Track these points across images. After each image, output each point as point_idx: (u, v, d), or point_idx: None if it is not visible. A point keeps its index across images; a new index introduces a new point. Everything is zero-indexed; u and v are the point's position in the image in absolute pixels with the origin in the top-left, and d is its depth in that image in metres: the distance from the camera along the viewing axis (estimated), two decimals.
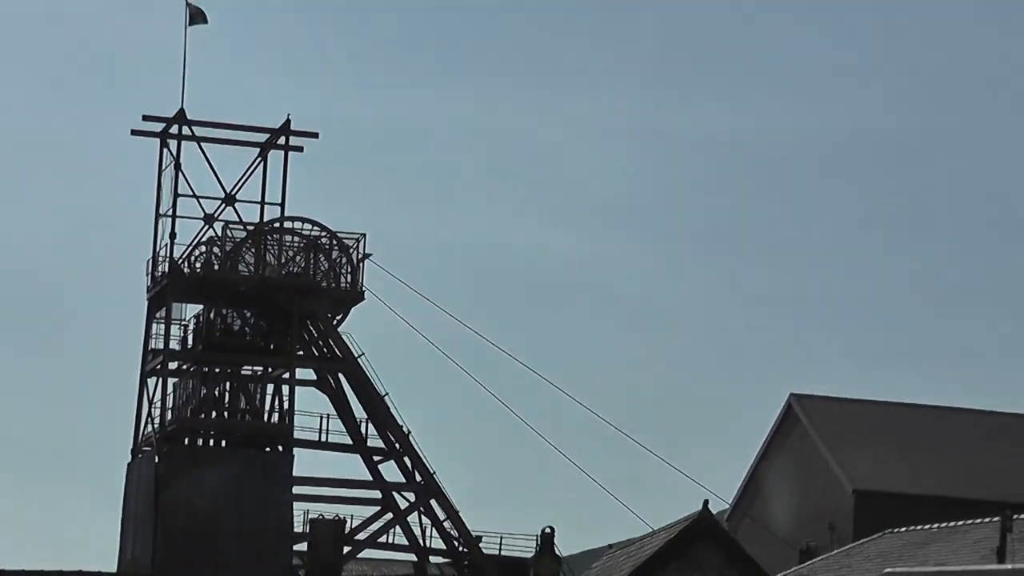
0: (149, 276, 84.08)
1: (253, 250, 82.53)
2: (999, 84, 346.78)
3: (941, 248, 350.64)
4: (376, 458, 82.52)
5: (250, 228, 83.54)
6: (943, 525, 72.79)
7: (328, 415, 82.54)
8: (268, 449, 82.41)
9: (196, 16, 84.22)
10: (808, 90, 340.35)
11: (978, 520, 70.38)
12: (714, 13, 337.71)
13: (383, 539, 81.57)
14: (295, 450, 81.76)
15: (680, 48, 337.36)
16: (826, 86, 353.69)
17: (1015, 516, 66.82)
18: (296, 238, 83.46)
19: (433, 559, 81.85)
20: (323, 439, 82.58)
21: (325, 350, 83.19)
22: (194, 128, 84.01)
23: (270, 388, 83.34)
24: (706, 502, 48.49)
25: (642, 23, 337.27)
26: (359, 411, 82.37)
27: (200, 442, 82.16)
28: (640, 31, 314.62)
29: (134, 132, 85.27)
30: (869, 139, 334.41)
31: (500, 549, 79.12)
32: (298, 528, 78.02)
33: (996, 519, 66.10)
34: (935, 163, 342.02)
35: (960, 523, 71.82)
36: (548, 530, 59.02)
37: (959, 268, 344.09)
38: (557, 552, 68.34)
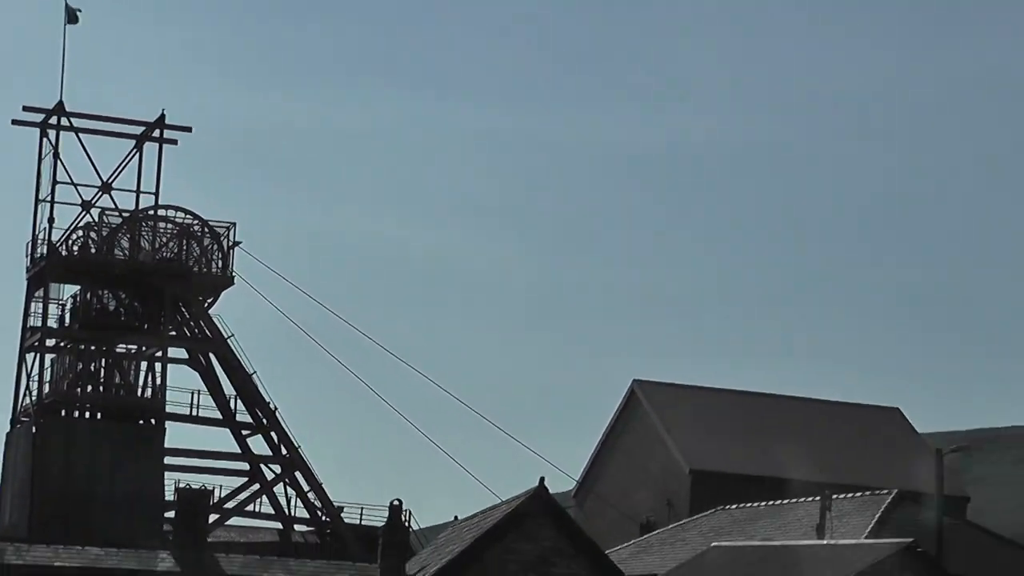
0: (28, 258, 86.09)
1: (128, 235, 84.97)
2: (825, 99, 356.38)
3: (777, 250, 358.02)
4: (244, 432, 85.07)
5: (125, 215, 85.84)
6: (770, 503, 77.69)
7: (199, 391, 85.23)
8: (141, 422, 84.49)
9: (74, 16, 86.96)
10: (656, 101, 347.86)
11: (802, 499, 75.23)
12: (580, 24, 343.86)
13: (250, 508, 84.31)
14: (167, 424, 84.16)
15: (542, 59, 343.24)
16: (670, 99, 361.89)
17: (834, 496, 72.04)
18: (169, 225, 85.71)
19: (297, 527, 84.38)
20: (194, 414, 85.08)
21: (196, 331, 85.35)
22: (72, 120, 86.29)
23: (143, 365, 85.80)
24: (542, 479, 50.70)
25: (509, 33, 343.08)
26: (228, 388, 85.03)
27: (76, 415, 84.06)
28: (506, 41, 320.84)
29: (14, 122, 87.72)
30: (722, 148, 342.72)
31: (360, 519, 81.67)
32: (169, 497, 77.21)
33: (817, 499, 71.15)
34: (776, 171, 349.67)
35: (785, 502, 76.51)
36: (396, 502, 61.94)
37: (794, 269, 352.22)
38: (406, 523, 72.37)
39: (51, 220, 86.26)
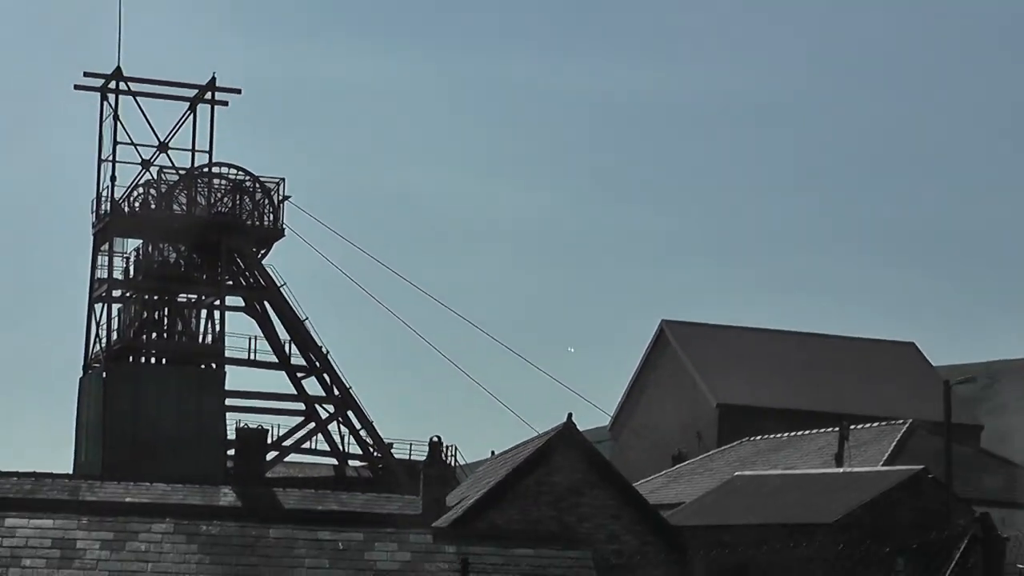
0: (93, 214, 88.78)
1: (185, 192, 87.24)
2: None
3: (797, 194, 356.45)
4: (299, 374, 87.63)
5: (182, 173, 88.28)
6: (792, 434, 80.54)
7: (255, 337, 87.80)
8: (202, 367, 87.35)
9: None
10: (676, 55, 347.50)
11: (821, 430, 78.02)
12: None
13: (306, 445, 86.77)
14: (226, 367, 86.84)
15: (571, 7, 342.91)
16: (682, 53, 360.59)
17: (852, 427, 74.90)
18: (223, 181, 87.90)
19: (351, 463, 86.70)
20: (251, 358, 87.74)
21: (251, 280, 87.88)
22: (130, 84, 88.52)
23: (203, 313, 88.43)
24: (570, 415, 51.18)
25: None
26: (283, 334, 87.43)
27: (142, 360, 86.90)
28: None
29: (76, 87, 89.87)
30: (746, 97, 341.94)
31: (409, 455, 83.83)
32: (230, 436, 76.99)
33: (836, 429, 73.88)
34: (795, 118, 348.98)
35: (806, 432, 79.22)
36: (435, 439, 64.05)
37: (817, 212, 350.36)
38: (451, 458, 74.87)
39: (113, 179, 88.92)
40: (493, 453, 64.92)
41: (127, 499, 50.62)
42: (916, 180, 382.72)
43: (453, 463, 76.88)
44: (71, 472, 74.85)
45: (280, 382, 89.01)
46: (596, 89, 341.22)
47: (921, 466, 62.66)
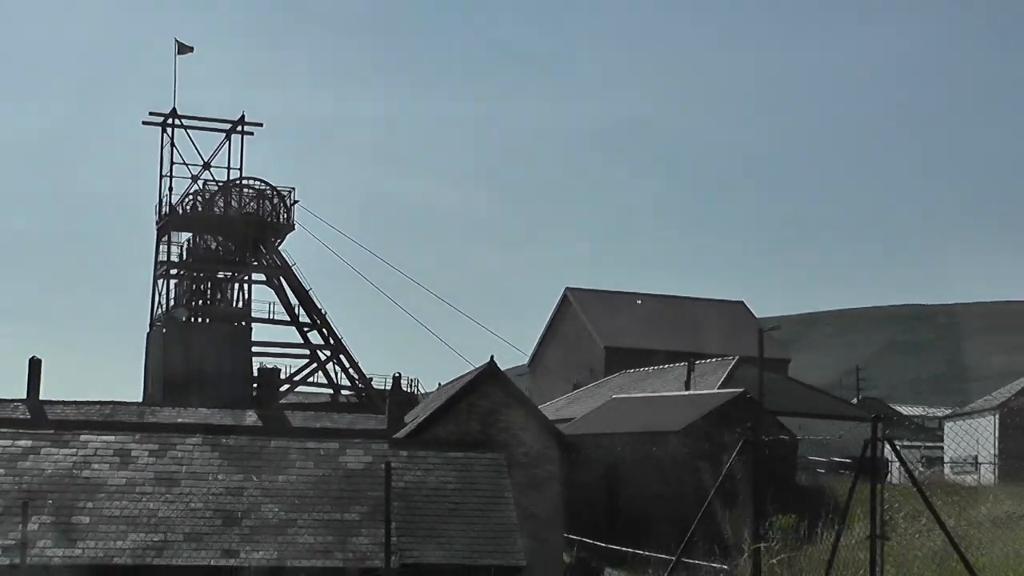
0: (156, 215, 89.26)
1: (222, 198, 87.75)
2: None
3: (672, 183, 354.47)
4: (305, 329, 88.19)
5: (220, 184, 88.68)
6: (655, 368, 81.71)
7: (273, 303, 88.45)
8: (235, 324, 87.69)
9: (184, 49, 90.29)
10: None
11: (676, 365, 79.30)
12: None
13: (311, 380, 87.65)
14: (252, 325, 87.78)
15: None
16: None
17: (697, 362, 75.82)
18: (250, 190, 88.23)
19: (344, 392, 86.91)
20: (270, 317, 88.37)
21: (270, 262, 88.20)
22: (183, 120, 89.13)
23: (235, 286, 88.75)
24: (492, 356, 52.65)
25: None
26: (293, 300, 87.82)
27: (191, 320, 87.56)
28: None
29: (144, 123, 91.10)
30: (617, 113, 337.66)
31: (384, 385, 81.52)
32: (255, 374, 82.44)
33: (686, 364, 75.23)
34: (656, 133, 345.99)
35: (665, 366, 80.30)
36: (397, 374, 64.98)
37: (682, 201, 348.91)
38: (414, 388, 75.65)
39: (170, 189, 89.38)
40: (440, 384, 64.92)
41: (179, 419, 51.29)
42: (749, 176, 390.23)
43: (417, 391, 77.53)
44: (140, 401, 74.03)
45: (291, 335, 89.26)
46: (534, 116, 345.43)
47: (742, 389, 63.80)
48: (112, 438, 38.14)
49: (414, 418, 52.48)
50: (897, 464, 20.87)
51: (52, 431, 38.82)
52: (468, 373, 54.38)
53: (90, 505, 35.02)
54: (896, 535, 21.79)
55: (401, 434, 46.27)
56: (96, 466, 36.65)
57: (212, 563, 33.76)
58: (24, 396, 58.04)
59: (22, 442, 37.49)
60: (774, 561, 19.99)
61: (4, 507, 33.95)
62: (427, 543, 36.03)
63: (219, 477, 36.78)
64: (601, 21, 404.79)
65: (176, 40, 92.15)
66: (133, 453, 37.40)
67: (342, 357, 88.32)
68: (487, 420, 50.35)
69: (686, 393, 69.90)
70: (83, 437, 38.08)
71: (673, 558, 19.74)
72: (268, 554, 34.16)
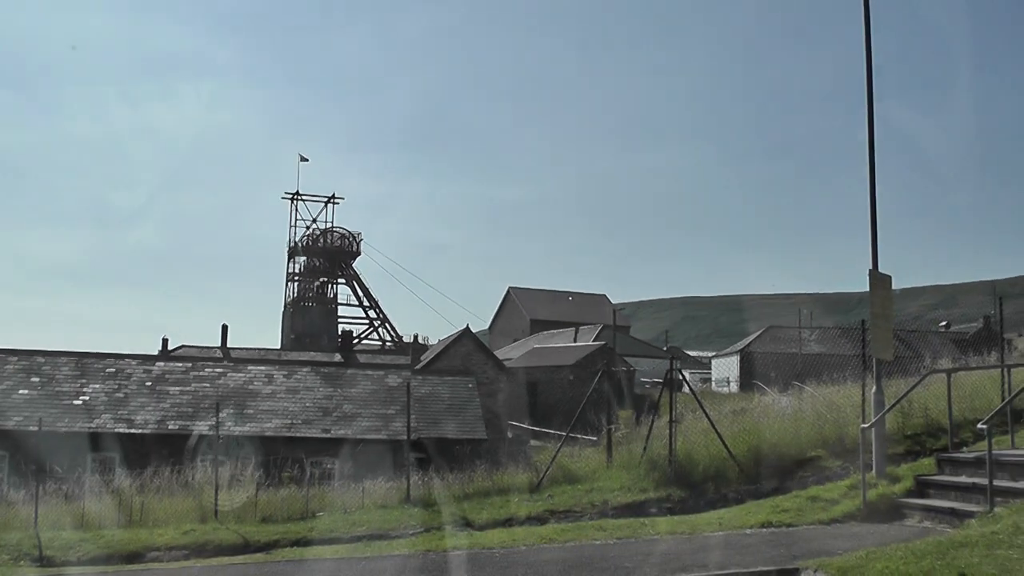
0: (287, 248, 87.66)
1: (323, 238, 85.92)
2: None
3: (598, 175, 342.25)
4: (366, 308, 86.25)
5: (321, 230, 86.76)
6: (555, 331, 79.79)
7: (348, 295, 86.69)
8: (329, 307, 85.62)
9: (303, 159, 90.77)
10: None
11: (571, 329, 77.16)
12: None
13: (371, 339, 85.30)
14: (338, 307, 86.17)
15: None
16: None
17: (579, 327, 72.93)
18: (337, 233, 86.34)
19: (387, 344, 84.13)
20: (348, 303, 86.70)
21: (349, 273, 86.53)
22: (302, 195, 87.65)
23: (329, 286, 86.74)
24: (467, 325, 53.48)
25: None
26: (362, 295, 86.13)
27: (308, 305, 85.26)
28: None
29: (282, 198, 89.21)
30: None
31: (408, 339, 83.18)
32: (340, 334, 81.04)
33: (572, 330, 72.83)
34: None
35: (561, 330, 78.18)
36: (415, 335, 65.39)
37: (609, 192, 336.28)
38: (425, 342, 75.20)
39: (294, 233, 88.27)
40: (439, 340, 64.78)
41: (298, 359, 51.28)
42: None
43: (426, 342, 77.62)
44: (278, 348, 73.96)
45: (358, 313, 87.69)
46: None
47: (604, 342, 64.19)
48: (263, 368, 38.65)
49: (425, 358, 52.87)
50: (686, 381, 21.45)
51: (232, 364, 39.35)
52: (454, 333, 54.69)
53: (252, 404, 35.58)
54: (684, 421, 22.24)
55: (418, 367, 46.57)
56: (256, 383, 37.21)
57: (316, 436, 34.34)
58: (218, 345, 58.74)
59: (218, 369, 38.01)
60: (618, 435, 20.46)
61: (209, 404, 34.50)
62: (431, 427, 36.55)
63: (319, 389, 37.27)
64: None
65: (299, 154, 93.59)
66: (274, 376, 37.89)
67: (386, 325, 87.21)
68: (466, 360, 50.72)
69: (573, 344, 70.42)
70: (249, 367, 38.60)
71: (566, 433, 20.00)
72: (346, 431, 34.74)
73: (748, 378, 60.46)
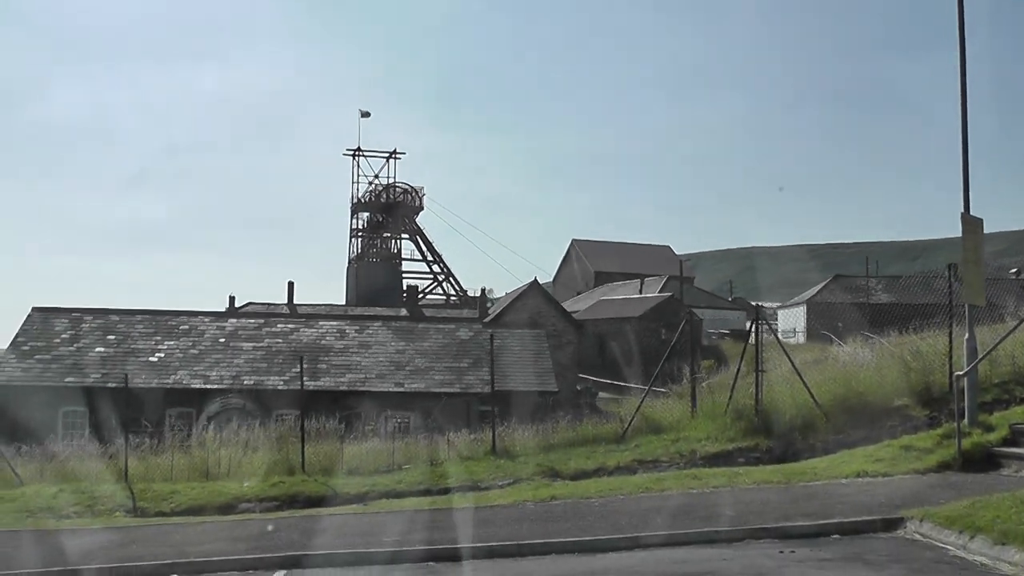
0: (350, 203, 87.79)
1: (385, 193, 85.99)
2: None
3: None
4: (430, 262, 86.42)
5: (383, 185, 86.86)
6: (620, 283, 79.03)
7: (412, 250, 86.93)
8: (394, 261, 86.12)
9: (365, 114, 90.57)
10: None
11: (632, 280, 76.18)
12: None
13: (436, 292, 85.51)
14: (402, 262, 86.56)
15: None
16: None
17: (645, 279, 72.48)
18: (399, 188, 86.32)
19: (452, 298, 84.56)
20: (411, 257, 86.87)
21: (411, 227, 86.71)
22: (363, 151, 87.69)
23: (392, 241, 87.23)
24: (535, 277, 53.81)
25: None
26: (424, 249, 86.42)
27: (371, 260, 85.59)
28: None
29: (343, 154, 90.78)
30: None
31: (474, 293, 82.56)
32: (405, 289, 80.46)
33: (637, 281, 72.09)
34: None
35: (627, 282, 77.77)
36: (483, 287, 65.49)
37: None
38: (490, 294, 75.30)
39: (356, 189, 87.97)
40: (505, 293, 64.96)
41: (367, 315, 51.65)
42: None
43: (490, 296, 77.77)
44: (343, 304, 74.54)
45: (424, 268, 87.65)
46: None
47: (671, 293, 64.07)
48: (335, 323, 39.12)
49: (493, 311, 53.14)
50: (774, 333, 21.21)
51: (303, 319, 39.84)
52: (521, 286, 54.87)
53: (325, 359, 36.03)
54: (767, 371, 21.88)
55: (487, 320, 46.77)
56: (328, 338, 37.66)
57: (388, 390, 34.69)
58: (285, 302, 59.40)
59: (290, 325, 38.49)
60: (704, 385, 20.49)
61: (283, 360, 35.06)
62: (502, 380, 36.79)
63: (391, 344, 37.61)
64: None
65: (360, 109, 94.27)
66: (346, 331, 38.32)
67: (451, 279, 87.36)
68: (533, 312, 51.01)
69: (639, 296, 70.17)
70: (321, 322, 39.08)
71: (648, 386, 19.97)
72: (419, 386, 35.08)
73: (815, 328, 59.94)
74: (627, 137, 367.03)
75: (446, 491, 15.22)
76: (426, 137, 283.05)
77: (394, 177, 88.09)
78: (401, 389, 34.72)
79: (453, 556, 9.48)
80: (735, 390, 17.75)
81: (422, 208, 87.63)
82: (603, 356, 57.59)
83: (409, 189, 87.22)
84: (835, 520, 10.04)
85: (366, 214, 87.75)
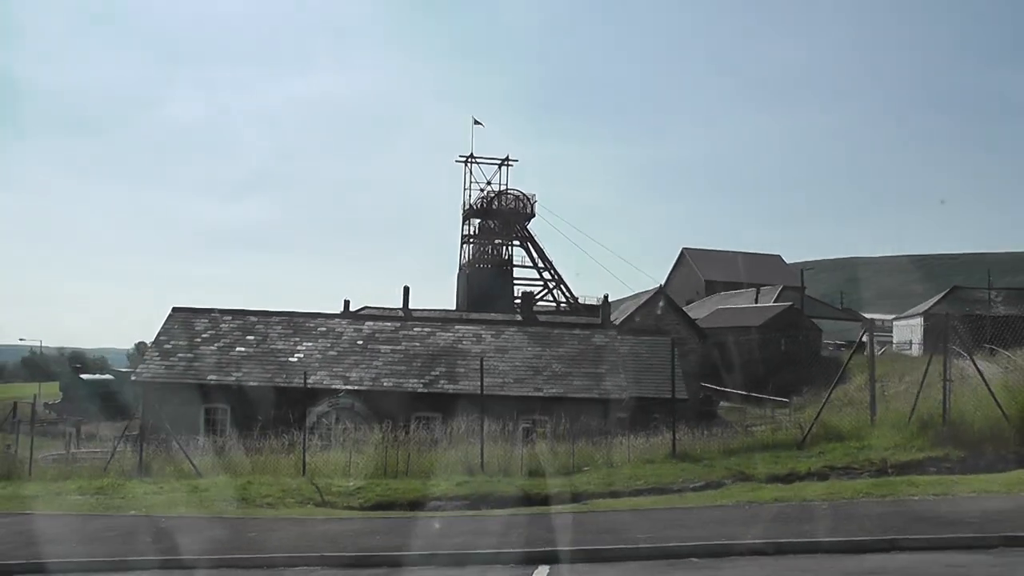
0: (462, 208, 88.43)
1: (498, 199, 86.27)
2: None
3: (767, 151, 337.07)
4: (541, 269, 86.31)
5: (496, 192, 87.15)
6: (734, 292, 78.25)
7: (523, 256, 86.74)
8: (504, 268, 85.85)
9: (477, 122, 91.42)
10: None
11: (746, 290, 75.72)
12: None
13: (546, 299, 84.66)
14: (513, 268, 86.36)
15: None
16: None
17: (760, 288, 71.76)
18: (512, 195, 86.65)
19: (562, 305, 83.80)
20: (523, 264, 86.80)
21: (524, 233, 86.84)
22: (476, 158, 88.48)
23: (504, 248, 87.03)
24: (660, 284, 53.84)
25: None
26: (536, 256, 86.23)
27: (480, 266, 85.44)
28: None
29: (456, 161, 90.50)
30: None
31: (585, 301, 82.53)
32: (518, 296, 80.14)
33: (752, 290, 71.71)
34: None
35: (741, 291, 76.70)
36: (605, 295, 65.13)
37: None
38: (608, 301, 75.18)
39: (469, 195, 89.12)
40: (616, 300, 64.74)
41: (469, 320, 51.89)
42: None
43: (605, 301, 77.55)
44: (454, 308, 75.02)
45: (534, 275, 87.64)
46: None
47: (791, 303, 63.53)
48: (471, 327, 39.54)
49: (616, 318, 52.96)
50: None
51: (440, 323, 40.29)
52: (646, 292, 54.77)
53: (462, 363, 36.42)
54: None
55: (613, 327, 46.69)
56: (465, 342, 38.05)
57: (527, 395, 34.88)
58: (400, 307, 60.23)
59: (427, 329, 39.01)
60: (890, 392, 20.33)
61: (421, 363, 35.64)
62: (636, 386, 37.05)
63: (528, 348, 37.86)
64: None
65: (473, 118, 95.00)
66: (482, 335, 38.71)
67: (562, 286, 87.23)
68: (658, 319, 51.10)
69: (757, 305, 69.65)
70: (456, 326, 39.56)
71: (828, 394, 19.84)
72: (557, 390, 35.24)
73: (932, 341, 58.96)
74: (726, 147, 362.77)
75: (638, 492, 15.42)
76: (531, 146, 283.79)
77: (506, 184, 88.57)
78: (539, 393, 34.94)
79: (745, 551, 9.76)
80: (919, 399, 17.66)
81: (534, 215, 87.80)
82: (725, 365, 57.24)
83: (521, 196, 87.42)
84: None
85: (478, 220, 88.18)
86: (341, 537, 11.81)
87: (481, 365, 24.60)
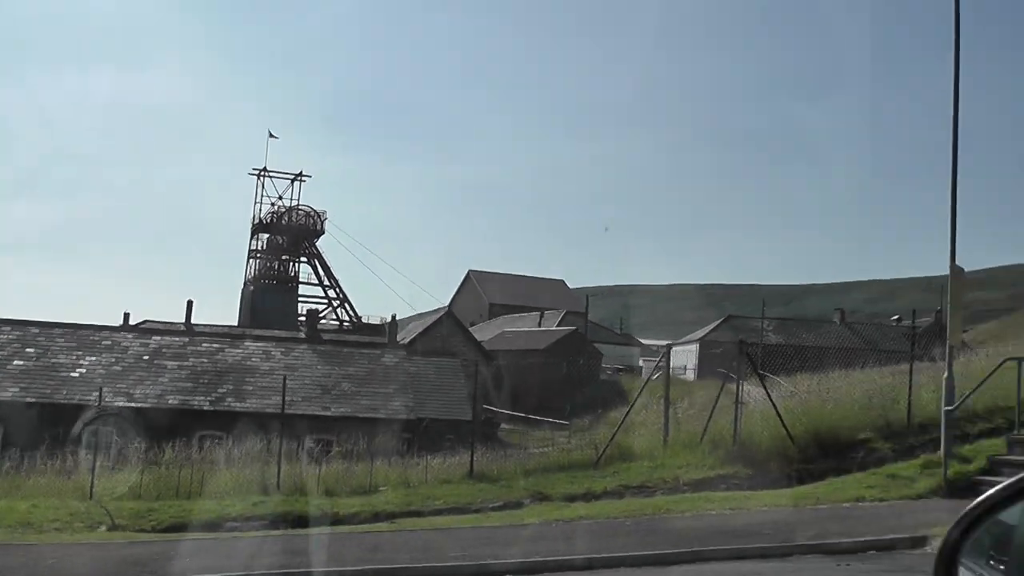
0: (251, 223, 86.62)
1: (287, 215, 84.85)
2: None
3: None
4: (327, 287, 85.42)
5: (286, 207, 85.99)
6: (517, 315, 79.14)
7: (309, 273, 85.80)
8: (289, 285, 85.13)
9: (271, 135, 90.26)
10: None
11: (529, 313, 76.66)
12: None
13: (330, 318, 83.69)
14: (300, 286, 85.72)
15: None
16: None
17: (544, 312, 72.64)
18: (302, 211, 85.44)
19: (345, 324, 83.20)
20: (308, 281, 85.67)
21: (311, 251, 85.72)
22: (269, 172, 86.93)
23: (291, 264, 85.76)
24: (448, 305, 54.36)
25: None
26: (322, 273, 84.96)
27: (266, 282, 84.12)
28: None
29: (249, 174, 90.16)
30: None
31: (368, 320, 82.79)
32: (302, 314, 79.59)
33: (538, 313, 72.60)
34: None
35: (524, 315, 77.73)
36: (393, 314, 64.87)
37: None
38: (395, 321, 74.97)
39: (260, 209, 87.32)
40: (402, 317, 64.82)
41: (257, 337, 50.90)
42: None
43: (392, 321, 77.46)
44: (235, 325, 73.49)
45: (320, 292, 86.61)
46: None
47: (575, 327, 64.88)
48: (261, 344, 38.80)
49: (404, 338, 52.97)
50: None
51: (229, 339, 39.33)
52: (432, 312, 55.11)
53: (251, 380, 35.74)
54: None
55: (399, 347, 46.60)
56: (254, 359, 37.33)
57: (316, 413, 34.50)
58: (182, 321, 58.58)
59: (215, 345, 37.99)
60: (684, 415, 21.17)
61: (208, 380, 34.73)
62: (423, 406, 37.24)
63: (318, 367, 37.50)
64: None
65: (269, 130, 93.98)
66: (271, 352, 38.11)
67: (346, 305, 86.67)
68: (444, 340, 51.44)
69: (542, 329, 70.91)
70: (246, 343, 38.72)
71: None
72: (346, 410, 35.02)
73: (708, 367, 61.58)
74: (523, 170, 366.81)
75: (438, 512, 15.52)
76: (329, 162, 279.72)
77: (298, 199, 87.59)
78: (327, 413, 34.66)
79: (564, 567, 9.84)
80: (710, 420, 18.48)
81: (323, 232, 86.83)
82: (508, 387, 58.02)
83: (311, 212, 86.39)
84: (869, 538, 10.79)
85: (267, 235, 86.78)
86: (151, 561, 11.40)
87: (284, 383, 24.07)
